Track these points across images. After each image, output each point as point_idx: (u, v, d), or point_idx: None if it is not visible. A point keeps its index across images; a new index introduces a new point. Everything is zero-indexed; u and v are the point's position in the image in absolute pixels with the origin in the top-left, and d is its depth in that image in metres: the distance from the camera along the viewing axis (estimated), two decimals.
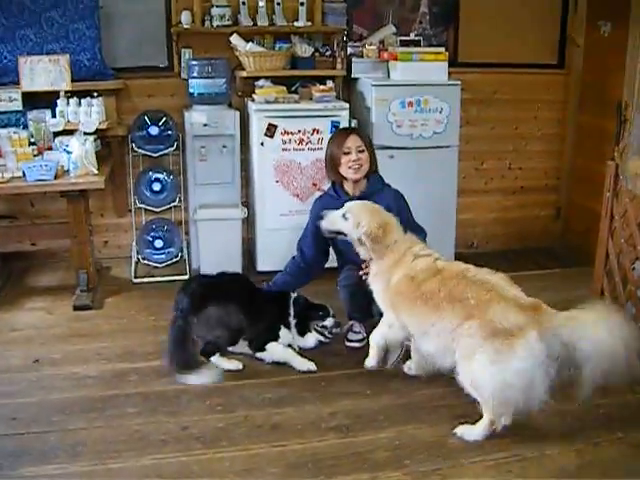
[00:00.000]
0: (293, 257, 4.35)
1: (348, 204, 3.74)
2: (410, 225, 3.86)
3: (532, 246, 6.35)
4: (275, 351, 3.97)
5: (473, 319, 3.07)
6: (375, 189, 4.14)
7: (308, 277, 4.35)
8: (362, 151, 4.09)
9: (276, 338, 4.00)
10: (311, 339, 4.13)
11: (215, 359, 3.87)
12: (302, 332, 4.11)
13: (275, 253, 5.08)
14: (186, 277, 5.26)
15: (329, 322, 4.14)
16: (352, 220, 3.62)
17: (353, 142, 4.08)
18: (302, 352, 4.03)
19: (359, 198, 3.99)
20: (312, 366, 3.90)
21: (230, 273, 4.23)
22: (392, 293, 3.48)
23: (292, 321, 4.09)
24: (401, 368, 3.82)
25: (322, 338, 4.13)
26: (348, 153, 4.07)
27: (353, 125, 5.23)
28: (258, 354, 3.99)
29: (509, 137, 6.24)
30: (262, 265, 5.34)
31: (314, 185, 5.21)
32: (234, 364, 3.89)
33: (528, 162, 6.34)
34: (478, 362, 3.04)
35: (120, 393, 3.63)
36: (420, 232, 3.94)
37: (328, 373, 3.87)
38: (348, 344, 4.21)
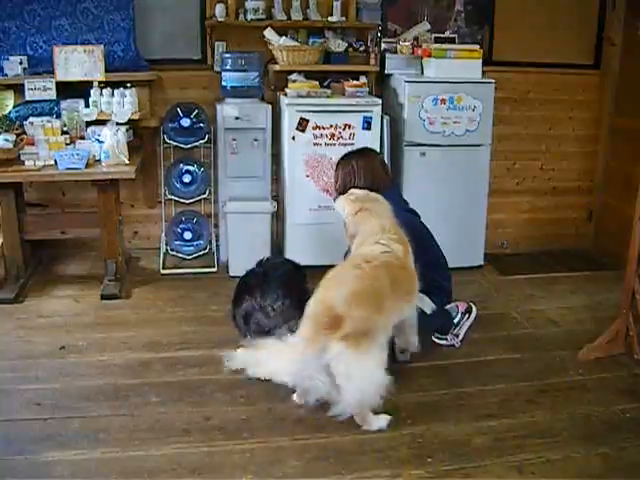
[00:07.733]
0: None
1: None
2: None
3: (563, 248, 6.25)
4: None
5: None
6: None
7: None
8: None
9: None
10: None
11: None
12: None
13: (303, 248, 5.06)
14: (214, 270, 5.28)
15: None
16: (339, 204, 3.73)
17: None
18: None
19: None
20: None
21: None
22: None
23: None
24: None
25: None
26: None
27: (385, 120, 5.20)
28: None
29: (542, 137, 6.15)
30: None
31: None
32: None
33: (561, 163, 6.26)
34: None
35: (144, 382, 3.65)
36: None
37: None
38: None
